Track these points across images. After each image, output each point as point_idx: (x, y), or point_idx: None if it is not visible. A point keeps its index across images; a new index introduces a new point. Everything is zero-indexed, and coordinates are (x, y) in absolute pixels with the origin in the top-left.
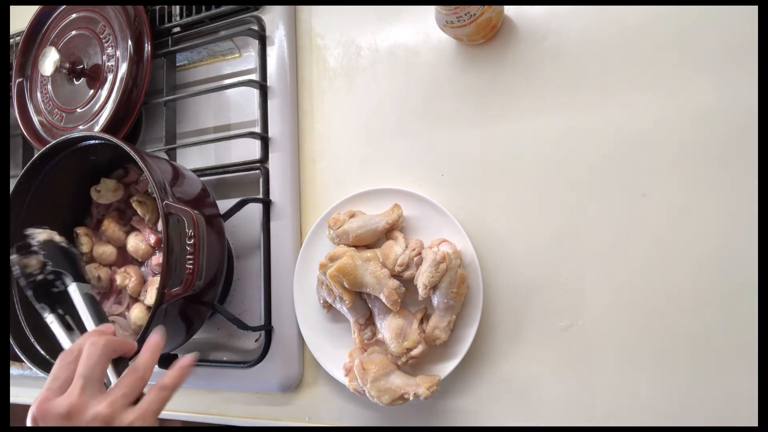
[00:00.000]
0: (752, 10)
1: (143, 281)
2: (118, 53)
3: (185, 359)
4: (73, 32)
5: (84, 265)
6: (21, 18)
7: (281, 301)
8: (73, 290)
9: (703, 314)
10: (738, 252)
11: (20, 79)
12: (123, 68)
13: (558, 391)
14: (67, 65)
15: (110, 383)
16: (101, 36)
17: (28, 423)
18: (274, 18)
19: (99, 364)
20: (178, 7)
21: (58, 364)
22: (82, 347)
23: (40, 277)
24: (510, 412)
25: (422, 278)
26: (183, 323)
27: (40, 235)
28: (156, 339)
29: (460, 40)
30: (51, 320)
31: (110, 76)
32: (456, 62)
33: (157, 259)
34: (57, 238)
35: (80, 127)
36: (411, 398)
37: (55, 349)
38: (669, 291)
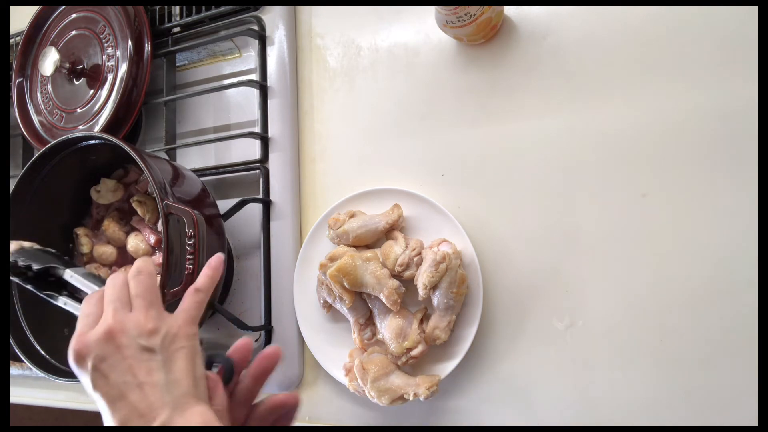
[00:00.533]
0: (752, 10)
1: None
2: (118, 53)
3: (213, 259)
4: (73, 32)
5: (65, 258)
6: (21, 18)
7: (281, 301)
8: (70, 275)
9: (703, 314)
10: (738, 251)
11: (20, 79)
12: (123, 68)
13: (558, 391)
14: (67, 65)
15: None
16: (101, 36)
17: (72, 360)
18: (274, 18)
19: (123, 290)
20: (178, 7)
21: (85, 305)
22: (103, 291)
23: (30, 273)
24: (510, 412)
25: (422, 278)
26: None
27: (9, 247)
28: (219, 260)
29: (460, 40)
30: (64, 301)
31: (110, 76)
32: (456, 62)
33: (157, 259)
34: (26, 244)
35: (80, 127)
36: (411, 398)
37: (55, 349)
38: (669, 291)
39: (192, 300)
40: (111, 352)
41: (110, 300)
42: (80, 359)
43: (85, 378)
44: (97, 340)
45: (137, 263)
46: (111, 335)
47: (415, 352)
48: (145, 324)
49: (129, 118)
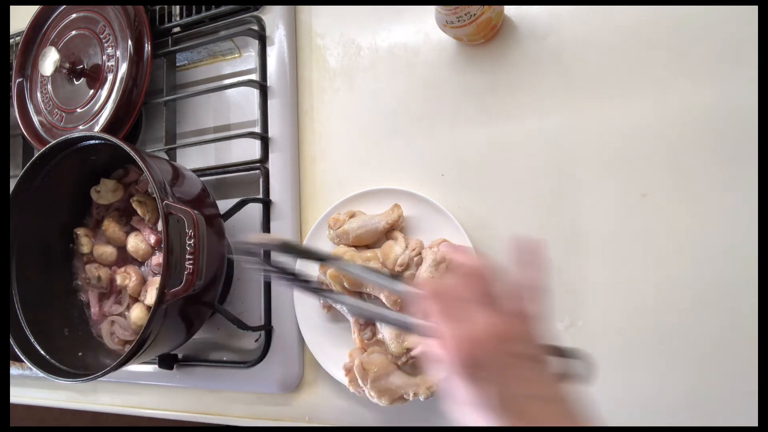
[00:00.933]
0: (752, 10)
1: (143, 281)
2: (118, 53)
3: (530, 244)
4: (73, 32)
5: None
6: (21, 18)
7: (281, 301)
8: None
9: (703, 314)
10: (738, 251)
11: (20, 79)
12: (123, 68)
13: None
14: (67, 65)
15: None
16: (101, 36)
17: (459, 368)
18: (274, 18)
19: (483, 289)
20: (178, 7)
21: (436, 303)
22: (436, 287)
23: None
24: None
25: (423, 279)
26: (183, 323)
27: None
28: (538, 247)
29: (460, 40)
30: (342, 302)
31: (110, 76)
32: (456, 62)
33: (157, 259)
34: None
35: (80, 127)
36: (411, 398)
37: (55, 349)
38: (669, 291)
39: (542, 302)
40: (508, 361)
41: (474, 299)
42: (476, 367)
43: (474, 387)
44: (489, 344)
45: (487, 264)
46: (501, 339)
47: (415, 352)
48: (530, 330)
49: (129, 118)
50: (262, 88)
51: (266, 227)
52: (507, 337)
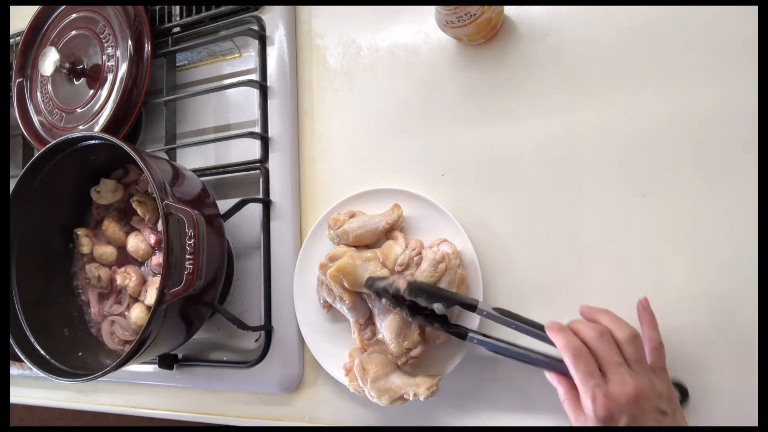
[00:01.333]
0: (752, 10)
1: (143, 281)
2: (118, 53)
3: (644, 302)
4: (73, 32)
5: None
6: (21, 18)
7: (281, 301)
8: (481, 311)
9: (703, 315)
10: (738, 252)
11: (20, 79)
12: (123, 68)
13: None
14: (67, 65)
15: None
16: (101, 36)
17: (600, 419)
18: (274, 18)
19: (622, 349)
20: (178, 7)
21: (577, 361)
22: (581, 345)
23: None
24: (510, 412)
25: (421, 278)
26: (183, 323)
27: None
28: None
29: (460, 40)
30: (476, 338)
31: (110, 76)
32: (456, 62)
33: (157, 259)
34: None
35: (80, 127)
36: (411, 398)
37: (55, 349)
38: (669, 291)
39: (663, 356)
40: (638, 414)
41: (615, 361)
42: (611, 420)
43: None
44: (627, 402)
45: (628, 329)
46: (637, 398)
47: (415, 352)
48: (662, 388)
49: (129, 118)
50: (262, 88)
51: (266, 227)
52: (641, 397)
